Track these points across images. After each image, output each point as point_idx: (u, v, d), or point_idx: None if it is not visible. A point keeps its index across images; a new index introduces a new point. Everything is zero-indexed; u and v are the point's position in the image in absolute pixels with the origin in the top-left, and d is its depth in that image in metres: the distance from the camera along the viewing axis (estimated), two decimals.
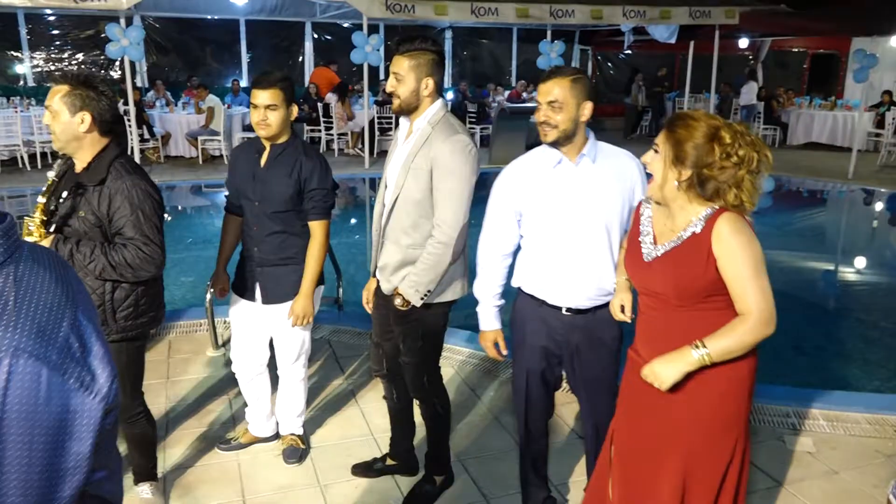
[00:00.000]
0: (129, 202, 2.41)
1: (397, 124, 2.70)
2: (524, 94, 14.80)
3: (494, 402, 3.84)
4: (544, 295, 2.50)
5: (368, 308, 2.95)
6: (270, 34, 15.62)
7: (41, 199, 2.30)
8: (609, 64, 19.13)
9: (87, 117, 2.39)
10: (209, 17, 14.75)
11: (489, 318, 2.64)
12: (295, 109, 2.91)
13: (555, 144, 2.37)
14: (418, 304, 2.58)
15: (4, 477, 0.90)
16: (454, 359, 4.25)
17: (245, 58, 15.26)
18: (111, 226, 2.43)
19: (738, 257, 1.88)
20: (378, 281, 2.81)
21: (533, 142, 12.08)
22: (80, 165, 2.46)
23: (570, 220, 2.39)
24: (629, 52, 17.66)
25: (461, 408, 3.71)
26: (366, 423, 3.59)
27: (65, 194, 2.42)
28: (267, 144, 2.94)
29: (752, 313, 1.88)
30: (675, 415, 2.04)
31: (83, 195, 2.41)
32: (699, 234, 1.93)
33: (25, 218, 2.30)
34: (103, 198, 2.40)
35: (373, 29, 11.54)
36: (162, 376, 4.02)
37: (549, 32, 12.09)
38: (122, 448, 3.18)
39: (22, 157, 10.37)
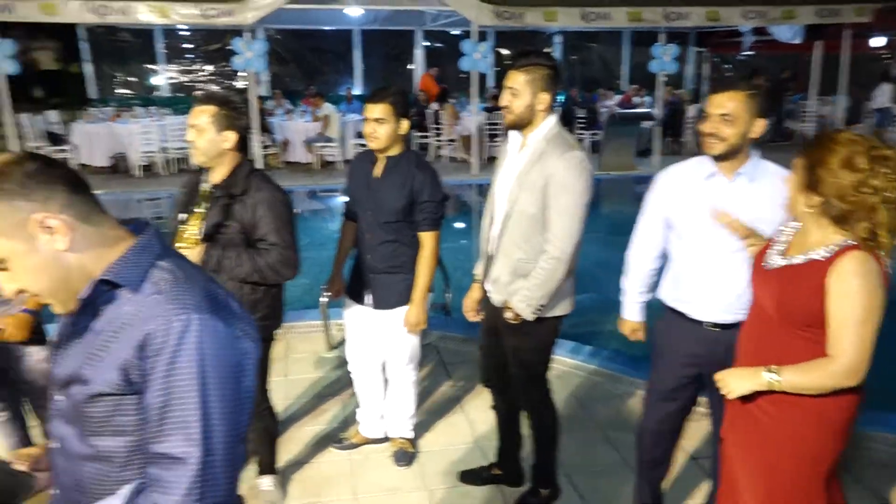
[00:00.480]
0: (271, 211, 2.60)
1: (506, 132, 2.73)
2: (635, 99, 14.46)
3: (604, 415, 3.80)
4: (685, 308, 2.47)
5: (470, 317, 3.02)
6: (383, 43, 16.09)
7: (198, 210, 2.50)
8: (727, 66, 18.35)
9: (233, 136, 2.59)
10: (326, 28, 15.37)
11: (632, 310, 2.69)
12: (405, 124, 2.98)
13: (718, 158, 2.31)
14: (530, 318, 2.61)
15: (210, 412, 1.14)
16: (562, 371, 4.23)
17: (358, 66, 15.78)
18: (255, 232, 2.61)
19: (849, 300, 1.79)
20: (485, 291, 2.86)
21: (645, 148, 11.72)
22: (216, 178, 2.65)
23: (715, 234, 2.34)
24: (749, 53, 16.87)
25: (569, 420, 3.68)
26: (471, 430, 3.65)
27: (203, 206, 2.61)
28: (381, 156, 3.04)
29: (840, 360, 1.81)
30: (757, 434, 2.02)
31: (227, 206, 2.60)
32: (820, 262, 1.86)
33: (179, 227, 2.51)
34: (247, 207, 2.60)
35: (482, 36, 11.64)
36: (281, 375, 4.25)
37: (662, 35, 11.76)
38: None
39: (145, 164, 11.21)
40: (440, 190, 3.03)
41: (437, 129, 12.61)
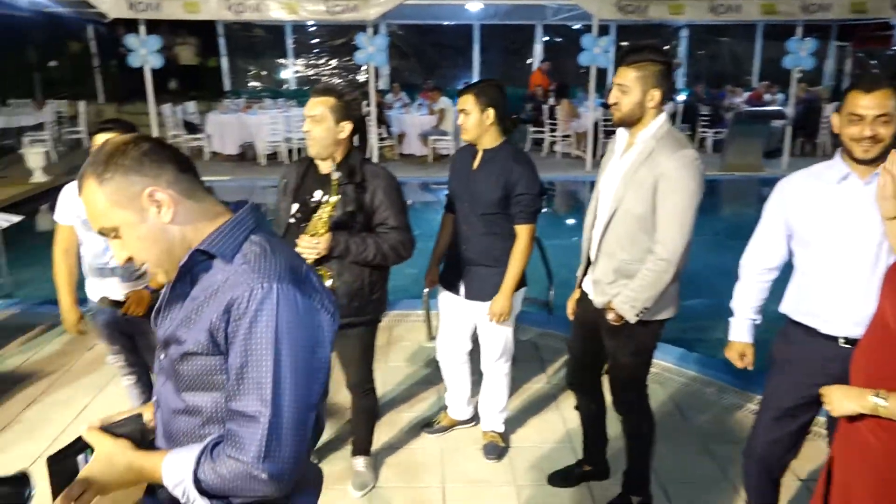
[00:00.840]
0: (388, 196, 2.72)
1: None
2: (766, 96, 13.64)
3: (704, 427, 3.64)
4: (817, 323, 2.29)
5: (572, 318, 2.96)
6: (502, 37, 16.08)
7: (332, 199, 2.60)
8: (874, 62, 16.94)
9: (349, 126, 2.70)
10: (446, 23, 15.56)
11: (741, 331, 2.53)
12: (491, 112, 2.97)
13: (866, 161, 2.13)
14: (633, 320, 2.54)
15: (281, 375, 1.23)
16: (664, 377, 4.09)
17: (476, 61, 15.86)
18: (374, 217, 2.73)
19: None
20: (583, 292, 2.81)
21: (774, 148, 11.02)
22: (326, 167, 2.76)
23: (852, 241, 2.17)
24: None
25: (667, 429, 3.56)
26: (564, 428, 3.60)
27: (318, 193, 2.71)
28: (479, 148, 3.07)
29: None
30: (865, 459, 1.88)
31: (351, 193, 2.71)
32: None
33: (313, 216, 2.64)
34: (367, 194, 2.71)
35: (603, 30, 11.38)
36: (381, 360, 4.37)
37: (799, 28, 11.01)
38: (329, 431, 3.53)
39: (262, 153, 11.79)
40: (537, 183, 3.02)
41: (553, 124, 12.47)
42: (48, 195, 9.57)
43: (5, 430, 3.60)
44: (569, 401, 3.85)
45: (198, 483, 1.24)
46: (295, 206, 2.77)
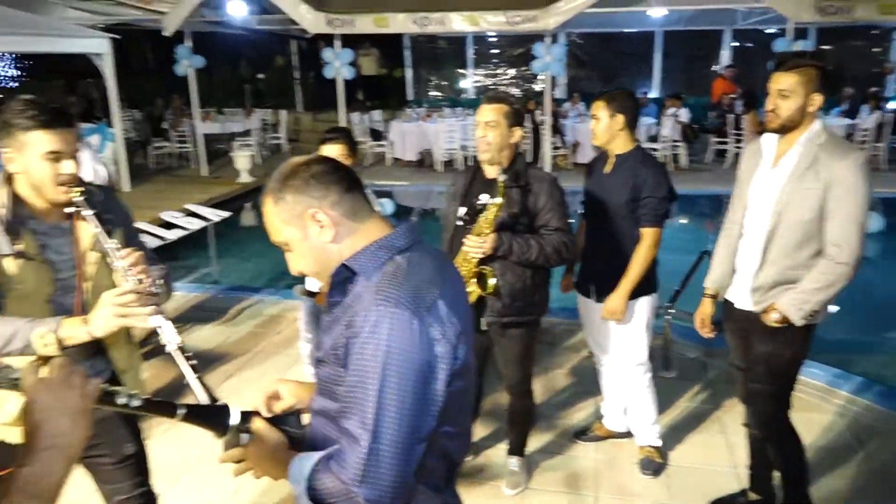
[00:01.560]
0: (552, 198, 2.83)
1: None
2: None
3: (882, 456, 3.32)
4: None
5: (704, 333, 2.94)
6: (685, 44, 15.46)
7: (497, 201, 2.73)
8: None
9: (519, 132, 2.85)
10: (626, 30, 15.25)
11: None
12: (620, 118, 3.03)
13: None
14: (799, 323, 2.49)
15: (384, 402, 1.22)
16: (838, 403, 3.78)
17: (657, 69, 15.38)
18: (537, 219, 2.84)
19: None
20: (726, 302, 2.78)
21: None
22: (493, 172, 2.88)
23: None
24: None
25: (837, 456, 3.31)
26: (729, 453, 3.45)
27: (484, 197, 2.85)
28: (611, 153, 3.14)
29: None
30: None
31: (516, 196, 2.83)
32: None
33: (479, 217, 2.80)
34: (530, 196, 2.83)
35: (799, 33, 10.57)
36: (541, 366, 4.42)
37: None
38: (486, 429, 3.63)
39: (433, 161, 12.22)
40: (664, 187, 3.03)
41: (738, 134, 11.79)
42: (252, 194, 10.68)
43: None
44: (736, 426, 3.68)
45: (311, 491, 1.29)
46: (462, 210, 2.92)
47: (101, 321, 1.77)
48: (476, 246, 2.76)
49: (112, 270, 1.87)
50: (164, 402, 1.35)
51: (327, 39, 11.74)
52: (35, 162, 1.80)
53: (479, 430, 3.64)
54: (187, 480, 3.30)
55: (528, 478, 3.28)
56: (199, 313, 5.56)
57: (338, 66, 11.19)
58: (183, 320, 5.39)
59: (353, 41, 11.77)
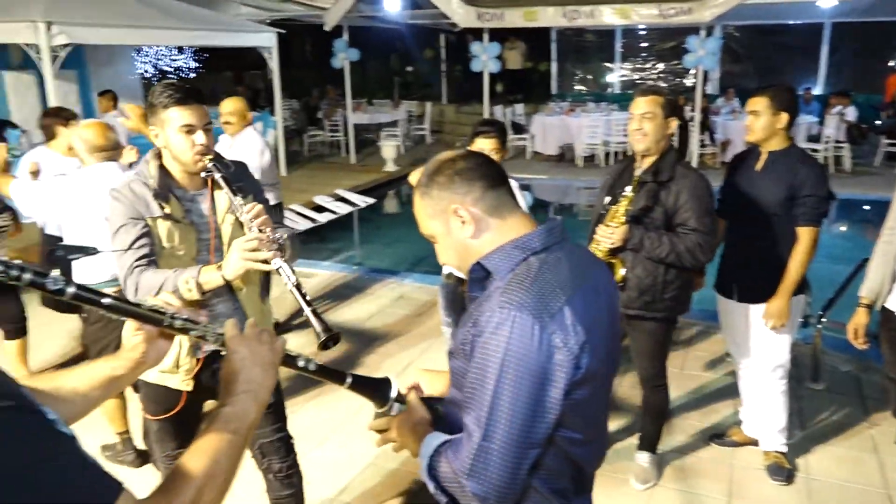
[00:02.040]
0: (694, 197, 2.78)
1: None
2: None
3: None
4: None
5: (858, 344, 2.79)
6: (858, 37, 14.24)
7: (627, 193, 2.77)
8: None
9: (675, 123, 2.85)
10: (790, 22, 14.29)
11: None
12: (784, 117, 2.94)
13: None
14: None
15: (498, 403, 1.24)
16: None
17: (824, 63, 14.30)
18: (676, 217, 2.81)
19: None
20: (886, 311, 2.65)
21: None
22: (645, 165, 2.89)
23: None
24: None
25: None
26: (880, 474, 3.24)
27: (627, 189, 2.87)
28: (763, 150, 3.03)
29: None
30: None
31: (654, 191, 2.84)
32: None
33: (611, 208, 2.85)
34: (671, 193, 2.81)
35: None
36: (676, 366, 4.35)
37: None
38: (618, 422, 3.63)
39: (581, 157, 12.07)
40: (824, 186, 2.91)
41: None
42: (396, 183, 11.14)
43: (350, 369, 4.43)
44: (889, 445, 3.45)
45: (431, 470, 1.36)
46: (607, 200, 2.96)
47: (232, 264, 1.99)
48: (606, 236, 2.80)
49: (243, 230, 2.08)
50: (336, 371, 1.46)
51: (475, 33, 11.95)
52: (173, 135, 2.07)
53: (610, 423, 3.64)
54: (333, 441, 3.58)
55: (658, 474, 3.26)
56: (346, 291, 5.94)
57: (485, 59, 11.37)
58: (331, 297, 5.79)
59: (500, 34, 11.91)
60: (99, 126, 3.21)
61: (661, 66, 15.82)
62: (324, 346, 1.84)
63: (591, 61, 16.55)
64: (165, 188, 2.13)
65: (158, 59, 16.04)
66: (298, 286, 1.92)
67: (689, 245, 2.76)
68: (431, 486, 1.38)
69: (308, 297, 1.90)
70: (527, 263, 1.33)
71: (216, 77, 16.75)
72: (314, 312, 1.87)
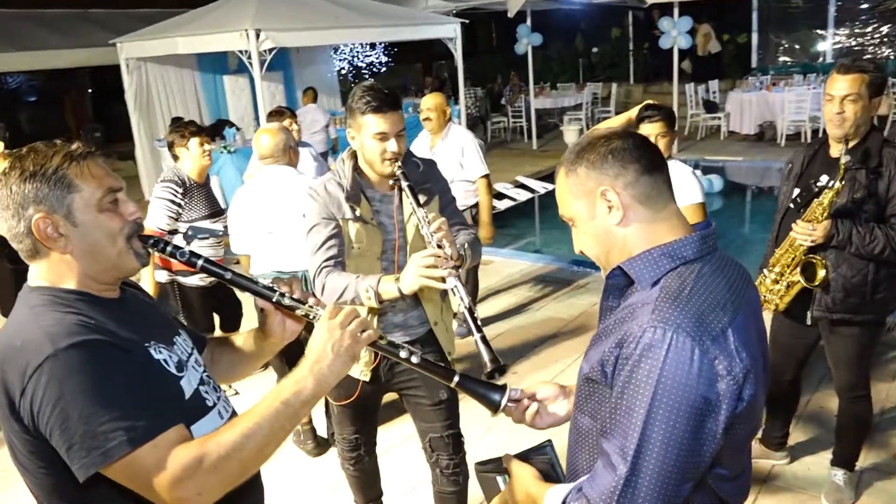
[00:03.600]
0: None
1: None
2: None
3: None
4: None
5: None
6: None
7: (836, 185, 2.48)
8: None
9: (885, 102, 2.51)
10: None
11: None
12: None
13: None
14: None
15: (650, 435, 1.11)
16: None
17: None
18: (889, 207, 2.51)
19: None
20: None
21: None
22: (838, 151, 2.56)
23: None
24: None
25: None
26: None
27: (824, 178, 2.58)
28: None
29: None
30: None
31: (861, 178, 2.53)
32: None
33: (814, 202, 2.57)
34: (881, 180, 2.50)
35: None
36: (886, 371, 3.86)
37: None
38: (810, 432, 3.30)
39: (804, 133, 10.96)
40: None
41: None
42: None
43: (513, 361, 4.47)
44: None
45: None
46: (796, 191, 2.68)
47: (408, 280, 2.03)
48: (805, 233, 2.53)
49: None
50: (442, 366, 1.46)
51: (664, 8, 11.35)
52: (367, 140, 2.16)
53: (799, 434, 3.35)
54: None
55: (853, 495, 2.93)
56: (523, 280, 5.97)
57: (674, 34, 10.77)
58: (510, 285, 5.85)
59: (692, 8, 11.19)
60: (268, 132, 3.45)
61: (885, 28, 13.94)
62: (489, 376, 1.79)
63: (798, 28, 14.98)
64: (357, 189, 2.25)
65: (353, 56, 17.09)
66: (471, 310, 1.91)
67: None
68: None
69: (479, 322, 1.88)
70: (678, 274, 1.19)
71: (407, 69, 17.53)
72: (483, 339, 1.84)
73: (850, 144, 2.53)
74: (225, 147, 8.26)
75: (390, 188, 2.27)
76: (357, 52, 17.00)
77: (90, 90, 15.31)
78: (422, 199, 2.14)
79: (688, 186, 3.09)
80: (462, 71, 10.66)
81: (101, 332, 1.20)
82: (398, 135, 2.16)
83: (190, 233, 3.64)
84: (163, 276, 3.80)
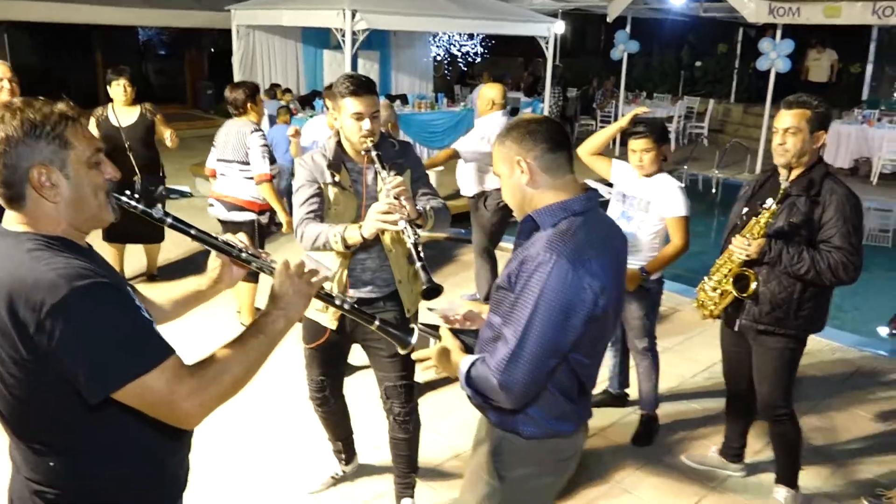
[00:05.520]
0: (840, 214, 2.62)
1: None
2: None
3: None
4: None
5: None
6: None
7: (770, 206, 2.70)
8: None
9: (824, 137, 2.68)
10: None
11: None
12: None
13: None
14: None
15: (532, 323, 1.64)
16: None
17: None
18: (820, 233, 2.67)
19: None
20: None
21: None
22: (792, 177, 2.73)
23: None
24: None
25: None
26: None
27: (769, 202, 2.75)
28: None
29: None
30: None
31: (795, 205, 2.71)
32: None
33: (751, 219, 2.77)
34: (817, 207, 2.67)
35: None
36: (849, 402, 3.89)
37: None
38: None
39: None
40: None
41: None
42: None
43: None
44: None
45: (467, 377, 1.79)
46: (745, 210, 2.86)
47: (367, 224, 2.38)
48: (741, 247, 2.73)
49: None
50: (367, 312, 1.77)
51: (775, 28, 11.05)
52: (346, 119, 2.52)
53: (754, 442, 3.47)
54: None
55: None
56: None
57: (773, 56, 10.51)
58: None
59: (801, 35, 10.85)
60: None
61: None
62: (425, 294, 2.27)
63: None
64: (339, 160, 2.62)
65: (451, 44, 17.44)
66: (416, 244, 2.28)
67: (832, 263, 2.61)
68: (468, 391, 1.80)
69: (422, 255, 2.27)
70: (568, 221, 1.72)
71: (508, 62, 17.74)
72: (423, 267, 2.25)
73: (794, 174, 2.70)
74: (312, 115, 8.85)
75: (368, 161, 2.59)
76: (455, 41, 17.35)
77: (212, 49, 16.40)
78: (392, 172, 2.47)
79: (674, 200, 3.28)
80: (550, 71, 10.82)
81: (101, 275, 1.34)
82: (372, 116, 2.51)
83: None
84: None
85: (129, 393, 1.30)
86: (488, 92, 4.95)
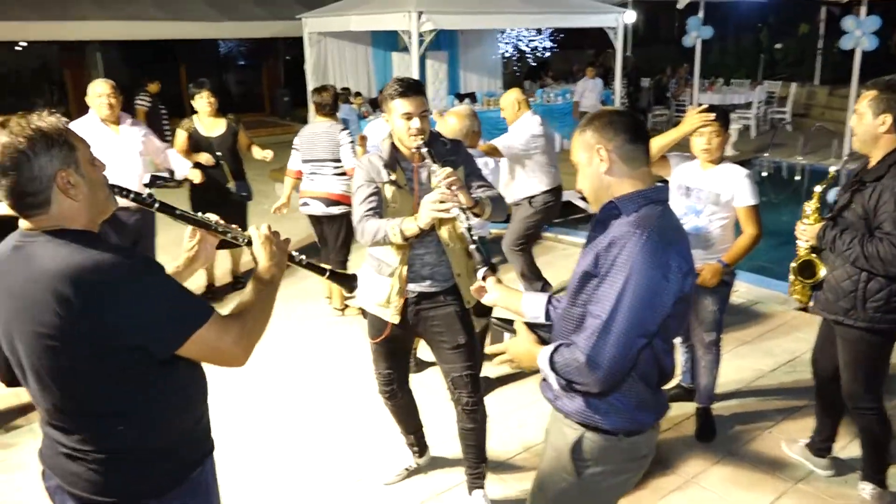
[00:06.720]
0: (893, 199, 2.51)
1: None
2: None
3: None
4: None
5: None
6: None
7: (816, 189, 2.67)
8: None
9: (889, 119, 2.56)
10: None
11: None
12: None
13: None
14: None
15: (623, 299, 1.67)
16: None
17: None
18: (875, 219, 2.58)
19: None
20: None
21: None
22: (871, 163, 2.65)
23: None
24: None
25: None
26: None
27: (817, 187, 2.71)
28: None
29: None
30: None
31: (860, 190, 2.62)
32: None
33: (805, 204, 2.70)
34: (873, 192, 2.57)
35: None
36: None
37: None
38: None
39: None
40: None
41: None
42: None
43: None
44: None
45: (552, 363, 1.81)
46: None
47: (423, 214, 2.44)
48: (799, 232, 2.70)
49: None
50: (318, 265, 1.96)
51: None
52: (397, 120, 2.59)
53: (844, 436, 3.34)
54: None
55: None
56: None
57: (858, 34, 9.99)
58: None
59: (887, 7, 10.27)
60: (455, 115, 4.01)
61: None
62: (484, 275, 2.25)
63: None
64: (393, 160, 2.71)
65: (519, 41, 17.37)
66: (469, 228, 2.33)
67: (881, 251, 2.50)
68: (552, 378, 1.81)
69: (475, 238, 2.31)
70: (649, 208, 1.77)
71: (578, 55, 17.53)
72: (478, 248, 2.29)
73: (874, 160, 2.60)
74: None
75: (421, 159, 2.66)
76: (524, 37, 17.26)
77: (287, 58, 16.95)
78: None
79: (743, 189, 3.20)
80: (620, 62, 10.64)
81: (140, 254, 1.61)
82: (421, 115, 2.58)
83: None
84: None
85: (190, 345, 1.54)
86: (509, 97, 5.13)
